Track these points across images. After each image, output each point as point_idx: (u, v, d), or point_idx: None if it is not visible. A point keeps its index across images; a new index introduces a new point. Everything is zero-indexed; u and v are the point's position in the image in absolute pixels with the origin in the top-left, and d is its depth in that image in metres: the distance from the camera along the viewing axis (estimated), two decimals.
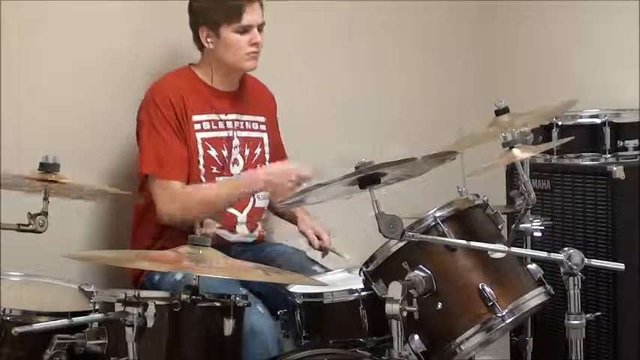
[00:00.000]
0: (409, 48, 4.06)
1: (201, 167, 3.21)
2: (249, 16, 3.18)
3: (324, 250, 3.31)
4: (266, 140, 3.38)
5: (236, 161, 3.28)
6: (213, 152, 3.23)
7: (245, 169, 3.29)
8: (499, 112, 2.98)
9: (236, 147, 3.28)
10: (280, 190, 3.11)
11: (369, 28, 3.97)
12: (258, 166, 3.32)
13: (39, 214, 2.53)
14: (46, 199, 2.55)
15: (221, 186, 3.20)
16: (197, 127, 3.21)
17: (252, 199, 3.30)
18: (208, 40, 3.21)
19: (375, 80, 3.97)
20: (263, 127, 3.37)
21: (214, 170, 3.23)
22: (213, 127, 3.25)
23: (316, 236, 3.32)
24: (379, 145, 3.76)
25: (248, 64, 3.24)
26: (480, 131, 3.06)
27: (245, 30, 3.19)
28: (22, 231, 2.54)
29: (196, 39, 3.25)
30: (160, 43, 3.44)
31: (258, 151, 3.35)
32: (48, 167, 2.58)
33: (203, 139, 3.21)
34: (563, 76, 3.91)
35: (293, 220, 3.42)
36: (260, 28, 3.22)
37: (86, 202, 3.34)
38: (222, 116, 3.27)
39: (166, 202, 3.13)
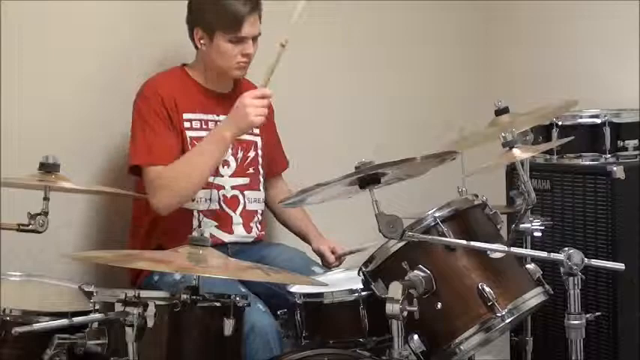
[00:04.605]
0: (409, 48, 4.06)
1: None
2: (247, 29, 3.15)
3: (341, 259, 3.30)
4: (259, 144, 3.36)
5: (227, 163, 3.26)
6: None
7: (237, 171, 3.27)
8: (499, 112, 2.98)
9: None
10: (256, 116, 3.04)
11: (369, 27, 3.97)
12: (251, 169, 3.31)
13: (39, 214, 2.53)
14: (46, 199, 2.55)
15: (200, 146, 3.11)
16: (187, 124, 3.19)
17: (242, 201, 3.28)
18: (201, 41, 3.19)
19: (375, 80, 3.97)
20: (256, 131, 3.33)
21: None
22: (203, 126, 3.22)
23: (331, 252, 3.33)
24: (379, 145, 3.77)
25: (236, 73, 3.22)
26: (480, 131, 3.06)
27: (239, 41, 3.16)
28: (22, 231, 2.54)
29: (191, 36, 3.24)
30: (162, 43, 3.44)
31: (251, 154, 3.33)
32: (48, 167, 2.59)
33: (192, 138, 3.18)
34: (563, 76, 3.90)
35: (305, 237, 3.44)
36: (255, 39, 3.19)
37: (86, 202, 3.35)
38: (214, 117, 3.23)
39: (157, 190, 3.06)
